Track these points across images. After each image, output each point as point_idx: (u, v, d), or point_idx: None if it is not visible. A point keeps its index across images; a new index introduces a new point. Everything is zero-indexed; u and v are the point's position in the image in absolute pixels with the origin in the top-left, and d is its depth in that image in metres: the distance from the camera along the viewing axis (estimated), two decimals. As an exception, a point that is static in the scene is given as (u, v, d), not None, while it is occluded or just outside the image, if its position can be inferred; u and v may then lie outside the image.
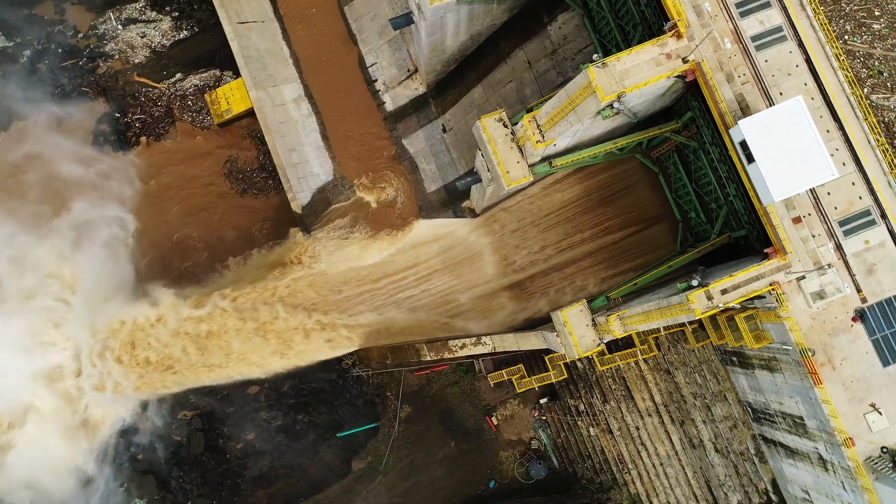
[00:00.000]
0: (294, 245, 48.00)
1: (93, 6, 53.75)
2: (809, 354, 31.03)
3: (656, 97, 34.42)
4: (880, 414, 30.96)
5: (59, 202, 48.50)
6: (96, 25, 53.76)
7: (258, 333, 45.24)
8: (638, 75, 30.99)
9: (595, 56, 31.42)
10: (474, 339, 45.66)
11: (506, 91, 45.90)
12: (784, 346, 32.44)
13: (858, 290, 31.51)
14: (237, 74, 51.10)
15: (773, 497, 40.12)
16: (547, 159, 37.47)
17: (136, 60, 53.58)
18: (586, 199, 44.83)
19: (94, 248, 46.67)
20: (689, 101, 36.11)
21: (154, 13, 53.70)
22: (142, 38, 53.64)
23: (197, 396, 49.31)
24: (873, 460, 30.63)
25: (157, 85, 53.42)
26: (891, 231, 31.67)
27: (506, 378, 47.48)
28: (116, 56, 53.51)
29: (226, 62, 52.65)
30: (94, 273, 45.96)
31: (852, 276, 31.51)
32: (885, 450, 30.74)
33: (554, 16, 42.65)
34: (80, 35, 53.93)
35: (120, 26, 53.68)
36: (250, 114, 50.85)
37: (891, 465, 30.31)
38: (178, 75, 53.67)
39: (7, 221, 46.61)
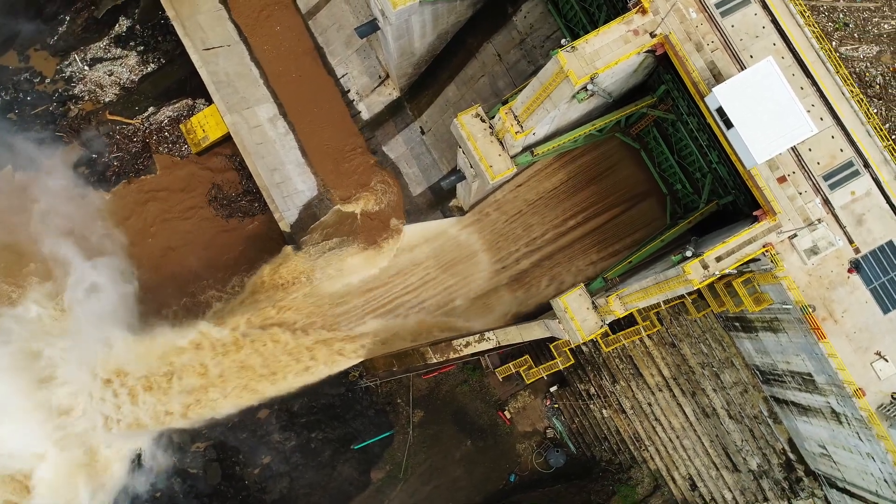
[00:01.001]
0: (287, 264, 47.85)
1: (56, 50, 53.41)
2: (810, 311, 31.18)
3: (629, 75, 34.51)
4: (887, 361, 31.15)
5: (45, 249, 48.15)
6: (62, 69, 53.42)
7: (262, 356, 45.10)
8: (608, 55, 31.05)
9: (563, 41, 31.44)
10: (477, 335, 45.66)
11: (479, 86, 45.92)
12: (784, 306, 32.59)
13: (851, 242, 31.70)
14: (210, 101, 50.90)
15: (792, 456, 40.30)
16: (528, 149, 37.50)
17: (107, 99, 53.29)
18: (572, 183, 44.90)
19: (89, 293, 46.36)
20: (661, 75, 36.23)
21: (119, 50, 53.41)
22: (109, 76, 53.35)
23: (208, 427, 49.08)
24: (885, 408, 30.81)
25: (130, 121, 53.14)
26: (875, 179, 31.88)
27: (513, 371, 47.50)
28: (86, 97, 53.19)
29: (197, 90, 52.45)
30: (92, 315, 45.67)
31: (843, 228, 31.69)
32: (895, 396, 30.95)
33: (518, 6, 42.69)
34: (48, 80, 53.59)
35: (86, 67, 53.36)
36: (228, 138, 50.67)
37: (903, 410, 30.55)
38: (151, 109, 53.41)
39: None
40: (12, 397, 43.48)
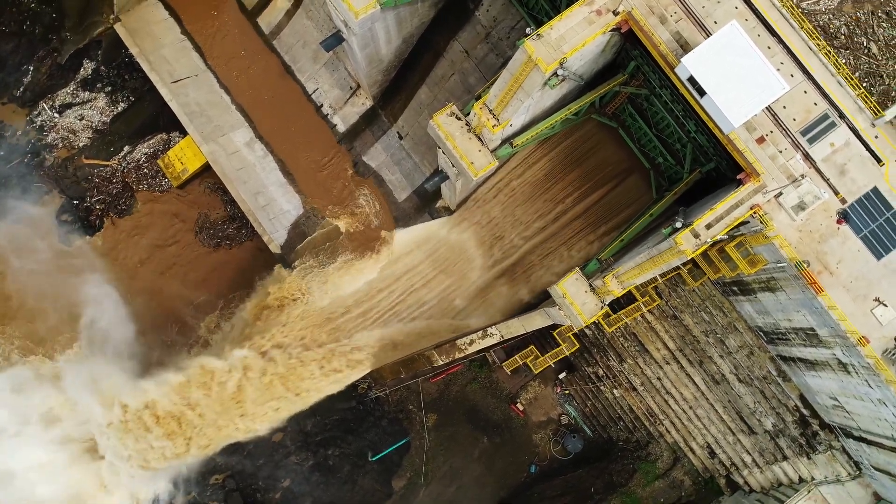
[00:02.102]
0: (282, 285, 47.77)
1: (24, 101, 53.03)
2: (805, 266, 31.37)
3: (597, 55, 34.61)
4: (886, 306, 31.37)
5: (36, 302, 47.96)
6: (32, 119, 53.03)
7: (267, 380, 44.97)
8: (574, 38, 31.13)
9: (528, 30, 31.52)
10: (480, 332, 45.65)
11: (451, 85, 45.94)
12: (779, 265, 32.77)
13: (836, 193, 31.90)
14: (184, 133, 50.73)
15: (805, 412, 40.52)
16: (507, 141, 37.56)
17: (81, 144, 52.98)
18: (555, 170, 44.96)
19: (91, 338, 46.24)
20: (629, 52, 36.35)
21: (87, 93, 53.09)
22: (80, 120, 53.03)
23: (223, 458, 48.89)
24: (890, 352, 31.03)
25: (107, 163, 52.86)
26: (852, 129, 32.10)
27: (520, 363, 47.54)
28: (60, 144, 52.87)
29: (170, 123, 52.24)
30: (95, 359, 45.54)
31: (827, 180, 31.90)
32: (899, 339, 31.22)
33: (478, 1, 42.74)
34: (19, 133, 53.20)
35: (56, 114, 53.02)
36: (207, 168, 50.51)
37: (908, 352, 30.80)
38: (126, 148, 53.15)
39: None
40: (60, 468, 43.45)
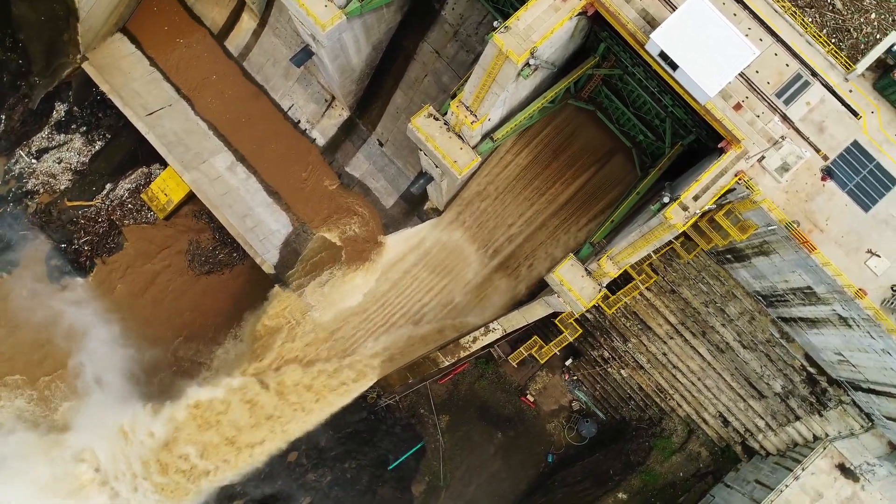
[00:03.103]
0: (280, 304, 47.71)
1: None
2: (795, 226, 31.55)
3: (567, 41, 34.71)
4: (879, 257, 31.60)
5: (40, 347, 47.77)
6: (10, 168, 52.72)
7: (272, 401, 44.95)
8: (542, 27, 31.20)
9: (496, 23, 31.61)
10: (483, 328, 45.74)
11: (425, 86, 45.98)
12: (769, 228, 32.96)
13: (817, 151, 32.11)
14: (165, 164, 50.58)
15: (812, 370, 40.78)
16: (487, 136, 37.61)
17: (62, 187, 52.71)
18: (538, 159, 45.07)
19: (94, 378, 46.11)
20: (598, 34, 36.47)
21: (62, 136, 52.81)
22: (59, 163, 52.75)
23: (241, 484, 48.78)
24: (889, 301, 31.27)
25: (91, 203, 52.62)
26: (826, 86, 32.31)
27: (526, 354, 47.63)
28: (41, 190, 52.57)
29: (149, 156, 52.09)
30: (103, 396, 45.47)
31: (806, 139, 32.10)
32: (895, 287, 31.43)
33: (443, 0, 42.82)
34: (-1, 182, 52.95)
35: (34, 160, 52.73)
36: (192, 196, 50.37)
37: (906, 299, 31.04)
38: (108, 186, 52.93)
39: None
40: None
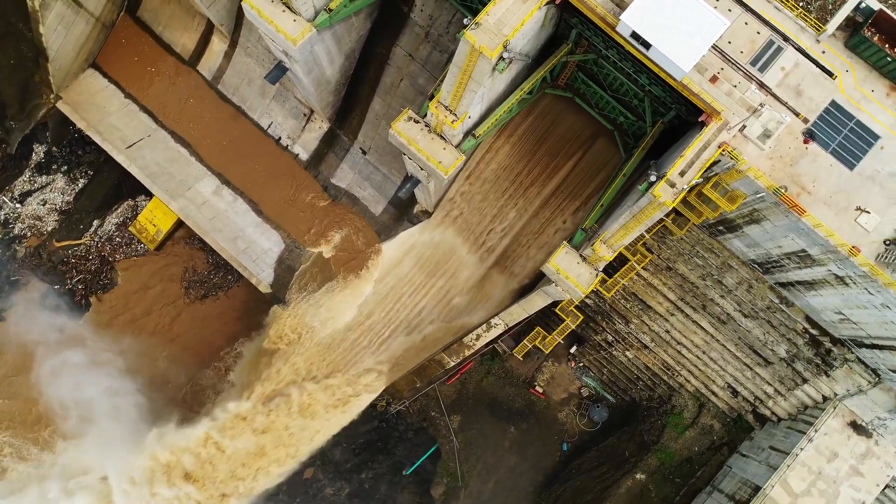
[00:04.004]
0: (280, 323, 47.59)
1: (-18, 198, 52.51)
2: (783, 191, 31.72)
3: (538, 31, 34.77)
4: (869, 213, 31.81)
5: (43, 394, 47.47)
6: (-5, 214, 52.49)
7: (282, 420, 44.85)
8: (512, 19, 31.24)
9: (466, 20, 31.57)
10: (484, 325, 45.78)
11: (402, 90, 45.97)
12: (758, 195, 33.12)
13: (797, 114, 32.29)
14: (150, 195, 50.40)
15: (814, 332, 41.02)
16: (469, 133, 37.65)
17: (50, 228, 52.44)
18: (522, 151, 45.14)
19: (107, 414, 45.92)
20: (568, 21, 36.55)
21: (44, 177, 52.56)
22: (44, 205, 52.48)
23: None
24: (882, 256, 31.49)
25: (79, 242, 52.37)
26: (799, 49, 32.49)
27: (530, 346, 47.71)
28: (29, 233, 52.29)
29: (134, 188, 51.90)
30: (115, 430, 45.32)
31: (785, 104, 32.27)
32: (888, 242, 31.63)
33: (411, 2, 42.78)
34: (-15, 230, 52.61)
35: (18, 205, 52.42)
36: (181, 223, 50.20)
37: (900, 252, 31.25)
38: (96, 223, 52.69)
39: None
40: None
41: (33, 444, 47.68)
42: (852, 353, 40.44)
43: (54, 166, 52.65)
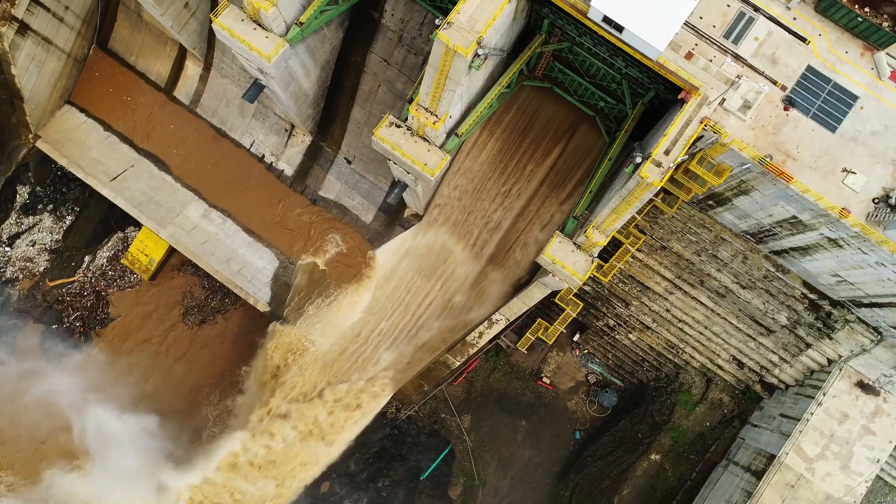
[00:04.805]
0: (281, 339, 47.49)
1: (-30, 245, 52.16)
2: (768, 160, 31.87)
3: (510, 24, 34.82)
4: (855, 173, 32.00)
5: (54, 424, 47.26)
6: (-15, 259, 52.15)
7: (292, 437, 44.77)
8: (483, 15, 31.27)
9: (438, 21, 31.63)
10: (486, 322, 45.80)
11: (381, 96, 45.94)
12: (744, 167, 33.27)
13: (774, 83, 32.46)
14: (139, 225, 50.19)
15: (812, 296, 41.23)
16: (452, 133, 37.67)
17: (41, 269, 52.17)
18: (506, 145, 45.17)
19: (112, 447, 45.70)
20: (539, 12, 36.62)
21: (31, 218, 52.27)
22: (33, 246, 52.19)
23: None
24: (872, 214, 31.69)
25: (73, 279, 52.11)
26: (770, 18, 32.65)
27: (533, 339, 47.75)
28: (21, 276, 52.00)
29: (122, 220, 51.69)
30: (122, 463, 45.07)
31: (762, 73, 32.43)
32: (876, 200, 31.83)
33: (381, 8, 42.76)
34: (-24, 276, 52.25)
35: (7, 248, 52.10)
36: (173, 250, 50.01)
37: (888, 208, 31.41)
38: (87, 258, 52.44)
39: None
40: None
41: (34, 483, 47.31)
42: (852, 313, 40.66)
43: (40, 206, 52.36)
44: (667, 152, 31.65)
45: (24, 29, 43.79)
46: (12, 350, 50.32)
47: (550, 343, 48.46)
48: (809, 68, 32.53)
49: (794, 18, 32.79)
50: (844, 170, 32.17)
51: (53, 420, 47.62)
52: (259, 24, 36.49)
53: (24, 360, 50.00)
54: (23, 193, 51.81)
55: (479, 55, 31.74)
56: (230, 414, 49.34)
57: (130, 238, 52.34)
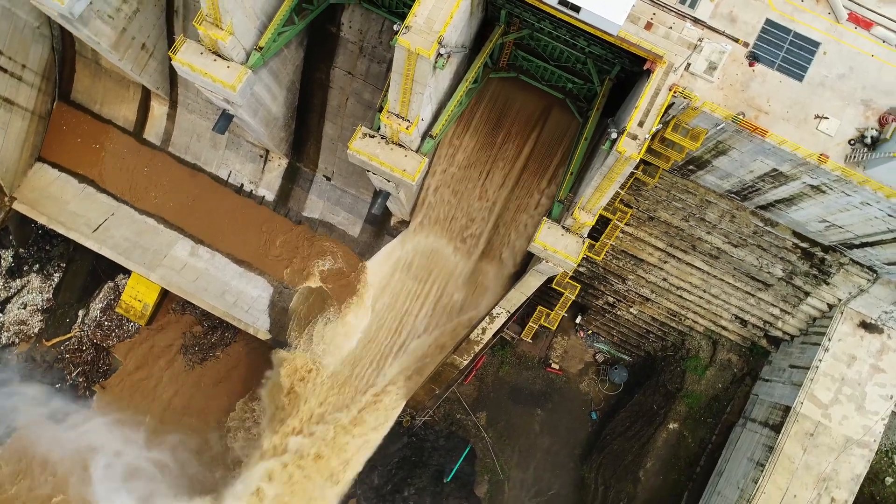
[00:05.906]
0: (287, 365, 47.35)
1: (-38, 315, 51.62)
2: (741, 118, 32.08)
3: (468, 19, 34.88)
4: (827, 118, 32.26)
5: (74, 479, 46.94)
6: (-22, 329, 51.62)
7: (308, 462, 44.68)
8: (440, 15, 31.31)
9: (396, 26, 31.61)
10: (487, 318, 45.84)
11: (350, 109, 45.89)
12: (718, 127, 33.47)
13: (736, 41, 32.66)
14: (128, 272, 49.86)
15: (804, 245, 41.51)
16: (426, 135, 37.69)
17: (36, 330, 51.76)
18: (482, 140, 45.21)
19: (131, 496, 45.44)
20: (495, 3, 36.71)
21: (18, 281, 51.85)
22: (25, 308, 51.75)
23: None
24: (851, 157, 31.96)
25: (69, 336, 51.73)
26: (722, -23, 32.88)
27: (536, 327, 47.83)
28: (17, 339, 51.57)
29: (110, 269, 51.36)
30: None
31: (723, 33, 32.63)
32: (852, 141, 32.09)
33: (337, 21, 42.71)
34: (-28, 347, 51.76)
35: (-1, 313, 51.66)
36: (166, 292, 49.75)
37: (865, 148, 31.68)
38: (81, 312, 52.06)
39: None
40: None
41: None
42: (845, 256, 40.98)
43: (25, 267, 51.96)
44: (640, 124, 31.79)
45: (-17, 93, 43.47)
46: (18, 415, 49.82)
47: (554, 329, 48.55)
48: (768, 21, 32.75)
49: (746, -26, 32.99)
50: (817, 116, 32.41)
51: (61, 480, 47.27)
52: (219, 55, 36.36)
53: (33, 428, 49.53)
54: (6, 257, 51.39)
55: (441, 55, 31.77)
56: (247, 445, 49.10)
57: (121, 286, 52.01)
